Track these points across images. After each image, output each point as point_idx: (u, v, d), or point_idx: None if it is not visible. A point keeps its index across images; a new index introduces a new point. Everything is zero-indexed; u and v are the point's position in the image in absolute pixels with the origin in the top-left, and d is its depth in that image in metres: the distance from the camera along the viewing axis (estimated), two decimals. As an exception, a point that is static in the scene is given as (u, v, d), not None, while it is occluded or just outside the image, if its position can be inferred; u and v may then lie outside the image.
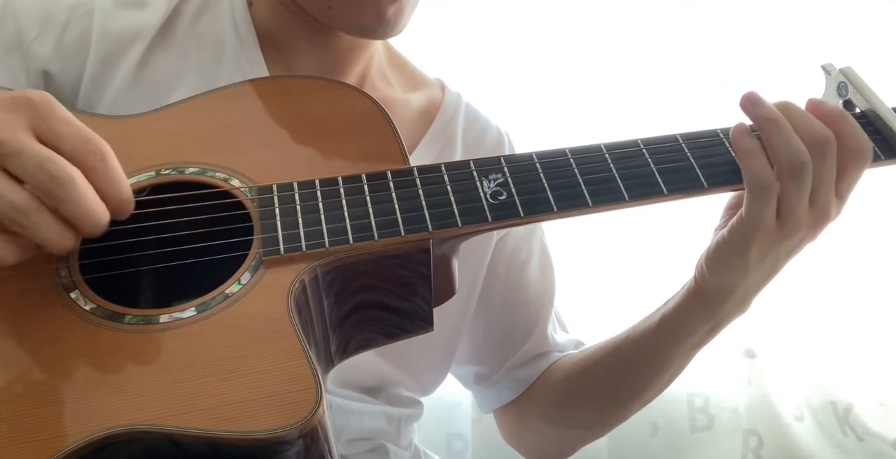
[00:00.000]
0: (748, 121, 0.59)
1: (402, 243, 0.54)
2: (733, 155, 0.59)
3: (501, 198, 0.57)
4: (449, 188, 0.57)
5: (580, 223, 1.25)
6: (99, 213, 0.48)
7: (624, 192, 0.58)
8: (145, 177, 0.57)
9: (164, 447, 0.45)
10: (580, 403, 0.79)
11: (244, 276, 0.52)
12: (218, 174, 0.57)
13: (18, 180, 0.47)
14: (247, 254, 0.53)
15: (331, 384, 0.72)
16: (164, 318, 0.50)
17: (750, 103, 0.58)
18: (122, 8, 0.72)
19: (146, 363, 0.48)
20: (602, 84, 1.35)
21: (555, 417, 0.82)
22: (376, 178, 0.57)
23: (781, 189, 0.57)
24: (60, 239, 0.48)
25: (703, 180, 0.59)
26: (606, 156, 0.59)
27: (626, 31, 1.37)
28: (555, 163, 0.59)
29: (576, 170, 0.58)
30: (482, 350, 0.85)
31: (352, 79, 0.76)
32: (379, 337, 0.61)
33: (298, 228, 0.54)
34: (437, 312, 0.60)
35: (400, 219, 0.55)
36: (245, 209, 0.56)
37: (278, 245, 0.53)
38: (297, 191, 0.56)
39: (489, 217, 0.56)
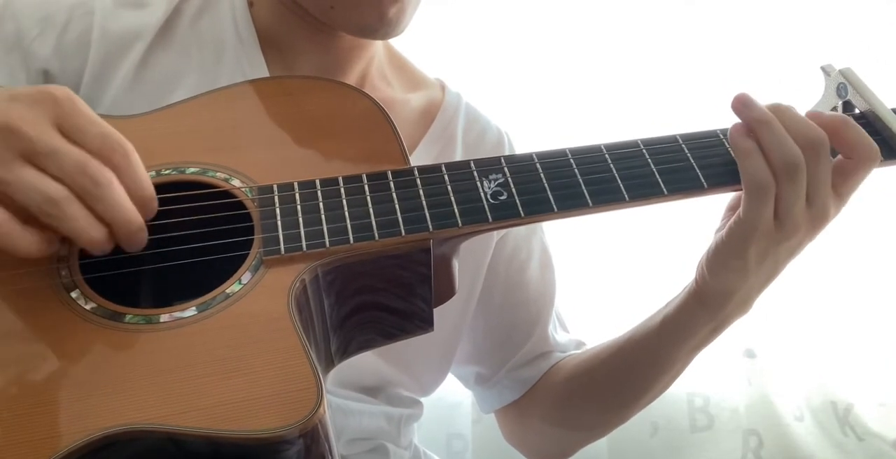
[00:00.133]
0: None
1: (403, 243, 0.54)
2: (733, 155, 0.59)
3: (502, 198, 0.57)
4: (449, 188, 0.57)
5: (580, 223, 1.25)
6: (133, 214, 0.50)
7: (624, 193, 0.58)
8: (146, 177, 0.57)
9: (164, 447, 0.45)
10: (582, 404, 0.79)
11: (245, 276, 0.52)
12: (218, 174, 0.57)
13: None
14: (247, 254, 0.53)
15: (331, 384, 0.72)
16: (164, 318, 0.50)
17: (741, 105, 0.58)
18: (122, 8, 0.72)
19: (146, 362, 0.48)
20: (602, 84, 1.35)
21: (556, 418, 0.82)
22: (377, 178, 0.57)
23: (778, 189, 0.57)
24: (92, 232, 0.49)
25: (703, 180, 0.59)
26: (606, 156, 0.59)
27: (626, 31, 1.37)
28: (555, 163, 0.59)
29: (576, 171, 0.58)
30: (482, 350, 0.85)
31: (352, 79, 0.76)
32: (379, 337, 0.61)
33: (299, 228, 0.54)
34: (437, 312, 0.60)
35: (400, 219, 0.55)
36: (245, 209, 0.56)
37: (279, 244, 0.53)
38: (297, 190, 0.56)
39: (490, 217, 0.56)
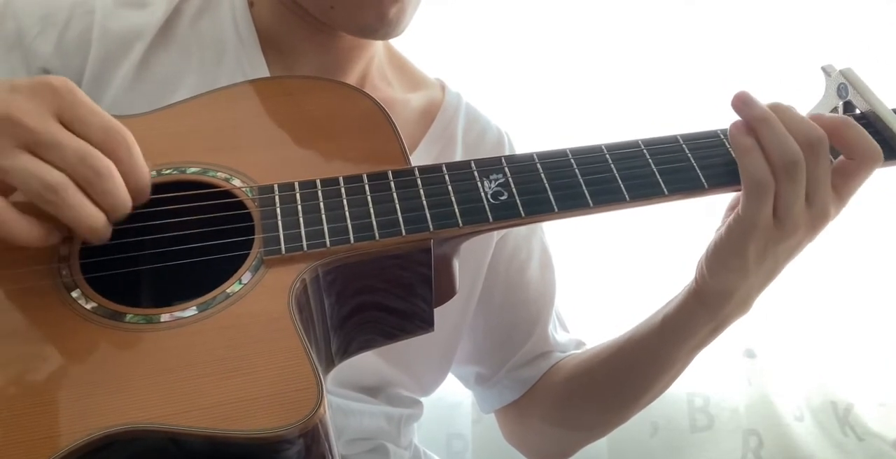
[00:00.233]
0: None
1: (403, 243, 0.54)
2: (734, 155, 0.59)
3: (502, 198, 0.57)
4: (450, 188, 0.57)
5: (581, 223, 1.25)
6: (128, 202, 0.50)
7: (625, 193, 0.58)
8: (146, 177, 0.57)
9: (164, 446, 0.45)
10: (582, 404, 0.79)
11: (245, 276, 0.52)
12: (219, 174, 0.57)
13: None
14: (248, 254, 0.53)
15: (331, 384, 0.72)
16: (165, 317, 0.50)
17: (741, 103, 0.58)
18: (122, 7, 0.72)
19: (147, 362, 0.48)
20: (602, 84, 1.35)
21: (556, 418, 0.82)
22: (377, 178, 0.57)
23: (777, 187, 0.57)
24: (92, 220, 0.49)
25: (703, 181, 0.59)
26: (607, 156, 0.59)
27: (626, 31, 1.37)
28: (556, 163, 0.59)
29: (577, 171, 0.58)
30: (483, 350, 0.85)
31: (352, 79, 0.76)
32: (379, 337, 0.61)
33: (299, 228, 0.54)
34: (438, 312, 0.60)
35: (401, 219, 0.55)
36: (246, 209, 0.56)
37: (279, 244, 0.53)
38: (298, 190, 0.56)
39: (490, 217, 0.56)
